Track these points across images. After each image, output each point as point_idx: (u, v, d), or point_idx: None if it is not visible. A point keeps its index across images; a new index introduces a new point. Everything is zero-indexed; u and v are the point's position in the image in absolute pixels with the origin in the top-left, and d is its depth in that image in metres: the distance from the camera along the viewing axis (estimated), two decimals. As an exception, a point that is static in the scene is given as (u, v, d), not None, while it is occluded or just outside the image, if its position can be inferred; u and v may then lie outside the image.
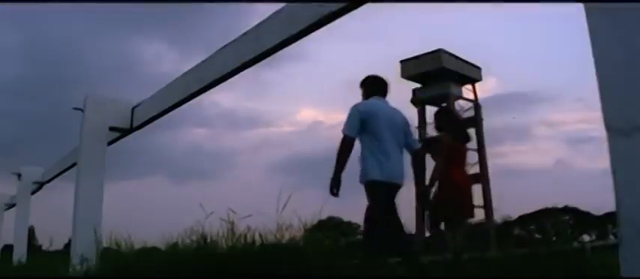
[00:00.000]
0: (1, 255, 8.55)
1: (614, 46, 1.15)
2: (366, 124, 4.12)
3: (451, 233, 4.31)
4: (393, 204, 4.13)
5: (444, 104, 5.87)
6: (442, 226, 4.55)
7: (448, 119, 4.92)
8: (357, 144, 4.23)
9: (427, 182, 4.49)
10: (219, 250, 2.71)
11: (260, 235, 2.74)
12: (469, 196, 4.43)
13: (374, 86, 4.40)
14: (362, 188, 4.21)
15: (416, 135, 4.21)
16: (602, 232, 32.38)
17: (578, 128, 63.45)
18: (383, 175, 4.06)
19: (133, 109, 4.00)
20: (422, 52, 33.49)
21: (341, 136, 4.17)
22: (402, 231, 3.97)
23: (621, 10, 1.14)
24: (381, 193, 4.04)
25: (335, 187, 3.98)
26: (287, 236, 2.74)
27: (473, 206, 4.42)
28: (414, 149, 4.38)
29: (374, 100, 4.31)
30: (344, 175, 4.14)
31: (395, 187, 4.15)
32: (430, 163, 4.63)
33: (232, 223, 2.80)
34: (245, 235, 2.74)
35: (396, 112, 4.35)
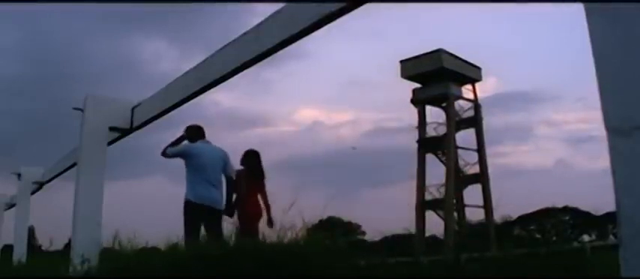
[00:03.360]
0: (1, 255, 8.55)
1: (614, 46, 1.15)
2: (192, 160, 5.36)
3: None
4: (210, 219, 5.26)
5: (253, 149, 6.47)
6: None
7: (251, 160, 6.12)
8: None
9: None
10: (219, 251, 2.71)
11: (262, 236, 2.74)
12: (256, 219, 5.78)
13: (197, 133, 5.63)
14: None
15: (233, 167, 5.75)
16: (602, 232, 32.38)
17: (579, 128, 63.39)
18: (196, 198, 5.26)
19: (133, 109, 4.00)
20: (422, 52, 33.52)
21: None
22: (220, 236, 4.93)
23: (621, 10, 1.14)
24: (193, 211, 5.23)
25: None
26: (288, 236, 2.75)
27: (256, 227, 5.62)
28: (230, 176, 5.66)
29: (199, 143, 5.55)
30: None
31: (208, 209, 5.29)
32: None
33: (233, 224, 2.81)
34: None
35: (216, 150, 5.60)
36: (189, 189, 5.35)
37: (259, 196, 6.03)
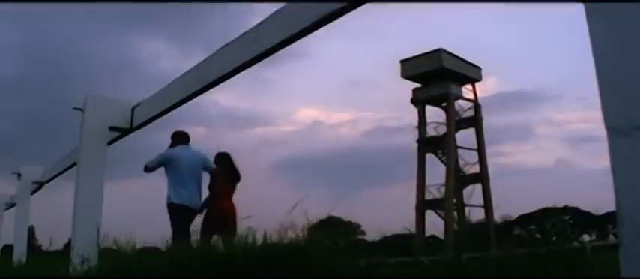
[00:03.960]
0: (1, 255, 8.55)
1: (614, 46, 1.15)
2: (171, 164, 5.79)
3: (221, 240, 5.62)
4: (189, 220, 5.63)
5: (224, 151, 6.51)
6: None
7: (223, 161, 6.27)
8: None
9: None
10: (220, 251, 2.71)
11: (262, 236, 2.74)
12: (231, 218, 5.86)
13: (179, 138, 6.09)
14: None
15: (212, 165, 6.14)
16: (602, 232, 32.37)
17: (579, 128, 63.38)
18: (178, 200, 5.66)
19: (133, 108, 4.00)
20: (422, 52, 33.51)
21: None
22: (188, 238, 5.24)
23: (621, 10, 1.14)
24: (176, 212, 5.61)
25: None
26: (289, 236, 2.75)
27: (234, 225, 5.69)
28: (211, 171, 6.07)
29: (178, 148, 6.00)
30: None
31: (188, 209, 5.70)
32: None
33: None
34: (246, 236, 2.75)
35: (194, 154, 6.03)
36: (170, 191, 5.73)
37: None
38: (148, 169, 5.80)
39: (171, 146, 6.07)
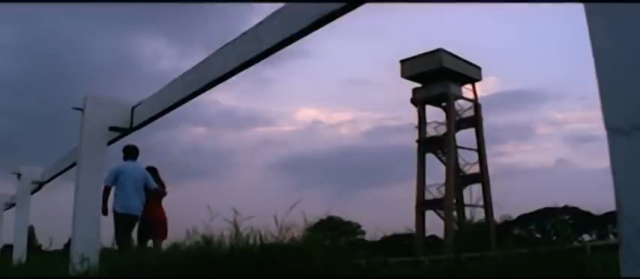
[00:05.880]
0: (1, 255, 8.55)
1: (614, 46, 1.15)
2: (118, 177, 6.75)
3: (154, 245, 7.02)
4: (131, 226, 6.71)
5: (152, 166, 7.55)
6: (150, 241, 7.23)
7: (152, 175, 7.27)
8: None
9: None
10: (220, 251, 2.71)
11: (262, 236, 2.74)
12: (159, 223, 7.15)
13: (129, 152, 6.99)
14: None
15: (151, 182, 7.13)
16: (602, 232, 32.35)
17: (580, 127, 63.37)
18: (121, 209, 6.65)
19: (132, 108, 4.00)
20: (422, 52, 33.50)
21: None
22: (129, 242, 6.42)
23: (621, 11, 1.14)
24: (119, 220, 6.61)
25: (104, 212, 6.05)
26: (288, 236, 2.74)
27: (163, 228, 7.10)
28: (151, 190, 7.06)
29: (125, 163, 6.95)
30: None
31: (130, 217, 6.70)
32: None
33: (235, 224, 2.80)
34: (247, 236, 2.75)
35: (137, 168, 7.01)
36: (115, 201, 6.67)
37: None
38: (107, 187, 6.48)
39: (124, 159, 6.99)
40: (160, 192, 7.33)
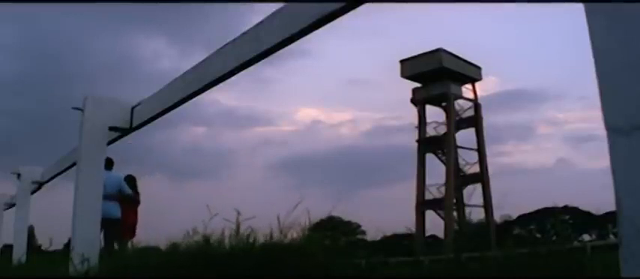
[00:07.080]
0: (1, 255, 8.55)
1: (614, 46, 1.15)
2: None
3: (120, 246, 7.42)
4: (108, 227, 6.72)
5: (131, 174, 8.59)
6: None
7: (130, 183, 8.00)
8: None
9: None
10: (220, 251, 2.71)
11: (262, 235, 2.74)
12: (130, 227, 7.87)
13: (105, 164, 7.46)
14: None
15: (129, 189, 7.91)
16: (602, 232, 32.34)
17: (580, 127, 63.39)
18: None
19: (132, 108, 4.00)
20: (422, 52, 33.50)
21: None
22: (112, 244, 7.07)
23: (621, 11, 1.14)
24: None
25: None
26: (289, 236, 2.74)
27: (132, 233, 7.81)
28: (126, 196, 7.73)
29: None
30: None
31: (108, 220, 6.51)
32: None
33: (236, 224, 2.80)
34: (247, 236, 2.75)
35: (113, 177, 7.45)
36: None
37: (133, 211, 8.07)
38: None
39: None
40: (133, 198, 8.04)
